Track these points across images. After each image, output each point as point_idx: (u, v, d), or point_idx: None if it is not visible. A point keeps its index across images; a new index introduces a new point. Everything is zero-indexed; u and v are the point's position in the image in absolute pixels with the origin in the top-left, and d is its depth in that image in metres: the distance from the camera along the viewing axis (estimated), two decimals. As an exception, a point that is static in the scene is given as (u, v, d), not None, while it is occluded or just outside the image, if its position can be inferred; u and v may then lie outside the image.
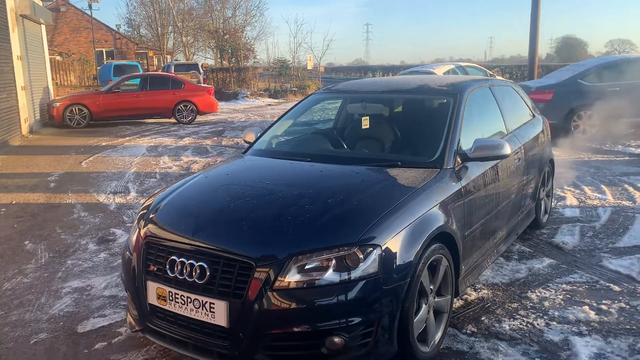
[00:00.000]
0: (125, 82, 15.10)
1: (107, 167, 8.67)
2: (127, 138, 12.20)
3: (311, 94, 4.50)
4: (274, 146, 3.95)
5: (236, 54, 32.22)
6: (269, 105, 22.34)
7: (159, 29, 39.25)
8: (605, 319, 3.24)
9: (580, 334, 3.07)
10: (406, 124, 3.89)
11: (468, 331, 3.12)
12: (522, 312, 3.34)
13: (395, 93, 4.19)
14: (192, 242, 2.58)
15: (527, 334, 3.08)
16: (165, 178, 7.67)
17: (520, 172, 4.14)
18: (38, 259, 4.52)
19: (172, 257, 2.59)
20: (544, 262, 4.18)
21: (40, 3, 15.95)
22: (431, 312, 2.81)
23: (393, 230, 2.54)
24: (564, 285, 3.74)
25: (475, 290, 3.69)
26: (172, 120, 15.25)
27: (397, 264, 2.49)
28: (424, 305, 2.73)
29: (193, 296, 2.49)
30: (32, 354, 3.01)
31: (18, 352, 3.03)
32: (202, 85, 17.80)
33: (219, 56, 35.63)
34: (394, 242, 2.51)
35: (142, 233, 2.82)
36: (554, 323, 3.20)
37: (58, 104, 14.07)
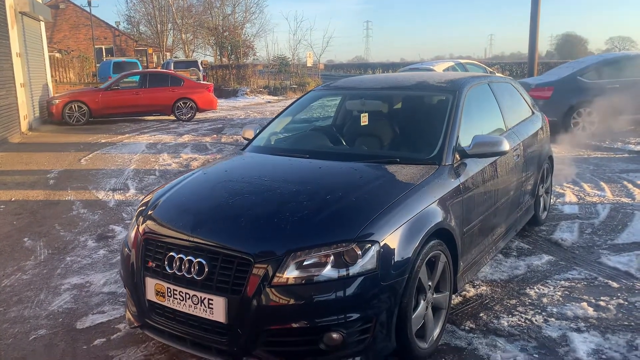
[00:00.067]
0: (125, 80, 15.09)
1: (106, 164, 8.67)
2: (127, 135, 12.20)
3: (310, 91, 4.50)
4: (272, 143, 3.95)
5: (236, 51, 32.18)
6: (269, 102, 22.32)
7: (159, 26, 39.16)
8: (604, 315, 3.25)
9: (578, 330, 3.08)
10: (405, 121, 3.89)
11: (466, 327, 3.13)
12: (520, 309, 3.35)
13: (394, 90, 4.19)
14: (191, 239, 2.58)
15: (525, 330, 3.08)
16: (165, 175, 7.67)
17: (519, 168, 4.14)
18: (37, 255, 4.52)
19: (171, 254, 2.60)
20: (542, 258, 4.19)
21: (40, 0, 15.92)
22: (429, 309, 2.81)
23: (391, 227, 2.54)
24: (563, 282, 3.74)
25: (473, 286, 3.70)
26: (172, 117, 15.25)
27: (396, 260, 2.49)
28: (422, 302, 2.73)
29: (191, 292, 2.49)
30: (31, 350, 3.02)
31: (17, 348, 3.04)
32: (202, 82, 17.80)
33: (218, 53, 35.59)
34: (392, 238, 2.51)
35: (140, 229, 2.83)
36: (552, 319, 3.21)
37: (57, 101, 14.06)
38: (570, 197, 5.96)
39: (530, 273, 3.92)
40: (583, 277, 3.83)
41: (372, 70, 51.26)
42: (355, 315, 2.37)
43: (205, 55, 42.16)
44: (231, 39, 32.86)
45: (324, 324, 2.36)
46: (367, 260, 2.41)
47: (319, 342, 2.38)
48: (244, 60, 31.55)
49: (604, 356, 2.81)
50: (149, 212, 2.92)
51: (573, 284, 3.72)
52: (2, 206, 6.12)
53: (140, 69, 22.13)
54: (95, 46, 35.50)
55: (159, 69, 23.76)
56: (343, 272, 2.38)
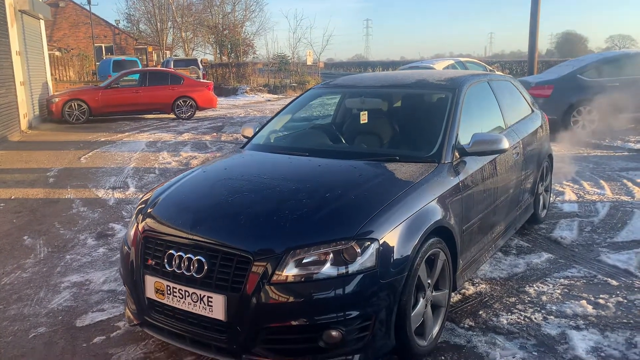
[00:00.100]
0: (125, 78, 15.09)
1: (106, 162, 8.67)
2: (126, 133, 12.20)
3: (309, 89, 4.49)
4: (272, 141, 3.95)
5: (235, 50, 32.16)
6: (269, 100, 22.31)
7: (158, 24, 39.15)
8: (603, 313, 3.25)
9: (577, 328, 3.08)
10: (404, 119, 3.89)
11: (466, 325, 3.13)
12: (519, 307, 3.35)
13: (393, 88, 4.19)
14: (190, 236, 2.59)
15: (524, 328, 3.09)
16: (164, 173, 7.67)
17: (518, 166, 4.14)
18: (37, 253, 4.53)
19: (170, 251, 2.60)
20: (542, 256, 4.19)
21: (39, -2, 15.90)
22: (429, 306, 2.82)
23: (391, 225, 2.54)
24: (562, 280, 3.75)
25: (473, 284, 3.70)
26: (171, 115, 15.25)
27: (395, 258, 2.49)
28: (421, 300, 2.74)
29: (191, 290, 2.49)
30: (31, 347, 3.02)
31: (17, 345, 3.04)
32: (202, 80, 17.81)
33: (218, 52, 35.57)
34: (392, 236, 2.52)
35: (140, 227, 2.83)
36: (552, 317, 3.21)
37: (57, 100, 14.06)
38: (569, 195, 5.96)
39: (530, 271, 3.92)
40: (582, 275, 3.83)
41: (372, 68, 51.28)
42: (354, 313, 2.37)
43: (205, 54, 42.12)
44: (231, 37, 32.84)
45: (323, 321, 2.36)
46: (366, 258, 2.41)
47: (318, 339, 2.38)
48: (244, 59, 31.55)
49: (603, 354, 2.81)
50: (149, 210, 2.93)
51: (572, 282, 3.72)
52: (2, 204, 6.12)
53: (140, 68, 22.11)
54: (95, 44, 35.51)
55: (158, 68, 23.74)
56: (342, 270, 2.38)
